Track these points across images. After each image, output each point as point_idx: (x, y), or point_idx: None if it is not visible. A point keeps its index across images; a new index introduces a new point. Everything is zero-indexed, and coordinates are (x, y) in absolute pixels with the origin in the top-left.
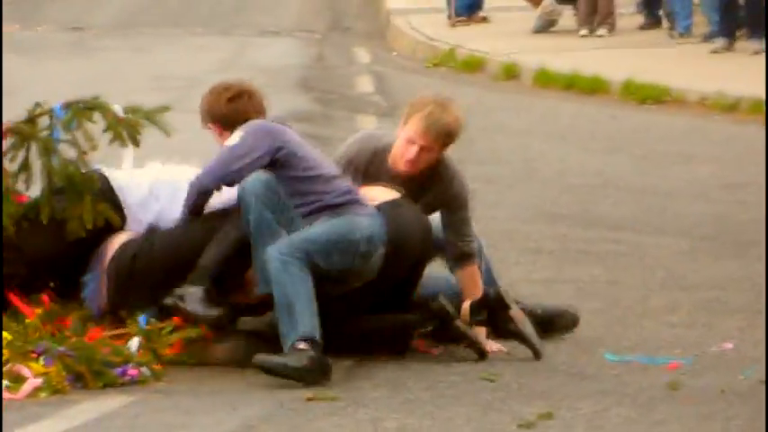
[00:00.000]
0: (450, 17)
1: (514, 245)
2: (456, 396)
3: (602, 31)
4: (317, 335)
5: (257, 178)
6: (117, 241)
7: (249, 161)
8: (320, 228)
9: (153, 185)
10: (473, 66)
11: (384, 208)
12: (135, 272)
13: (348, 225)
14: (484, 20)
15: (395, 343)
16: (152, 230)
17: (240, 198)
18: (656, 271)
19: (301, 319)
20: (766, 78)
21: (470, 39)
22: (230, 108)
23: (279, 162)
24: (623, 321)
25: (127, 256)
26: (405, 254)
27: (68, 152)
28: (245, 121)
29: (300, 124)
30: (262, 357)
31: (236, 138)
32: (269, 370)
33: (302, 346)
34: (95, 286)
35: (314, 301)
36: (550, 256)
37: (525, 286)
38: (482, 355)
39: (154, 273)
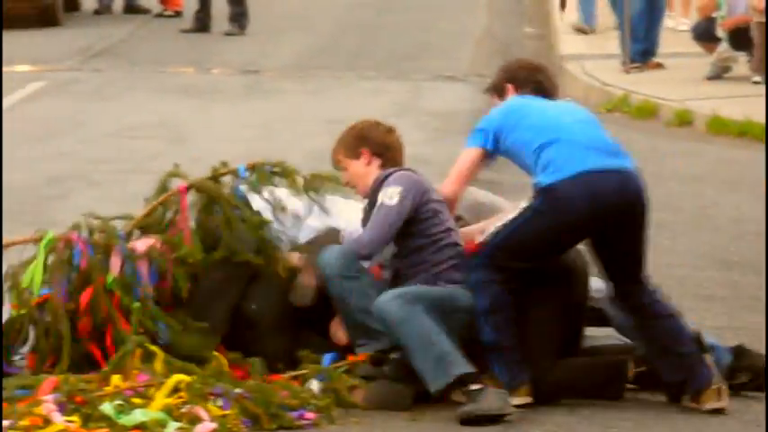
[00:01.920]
0: (624, 63)
1: (687, 291)
2: None
3: None
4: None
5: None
6: None
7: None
8: (426, 287)
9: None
10: (646, 112)
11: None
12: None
13: (450, 293)
14: (658, 66)
15: (609, 386)
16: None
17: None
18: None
19: (453, 358)
20: None
21: (644, 84)
22: (392, 139)
23: (416, 219)
24: None
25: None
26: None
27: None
28: (398, 158)
29: None
30: (466, 411)
31: (395, 196)
32: (477, 420)
33: (476, 386)
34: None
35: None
36: (723, 302)
37: None
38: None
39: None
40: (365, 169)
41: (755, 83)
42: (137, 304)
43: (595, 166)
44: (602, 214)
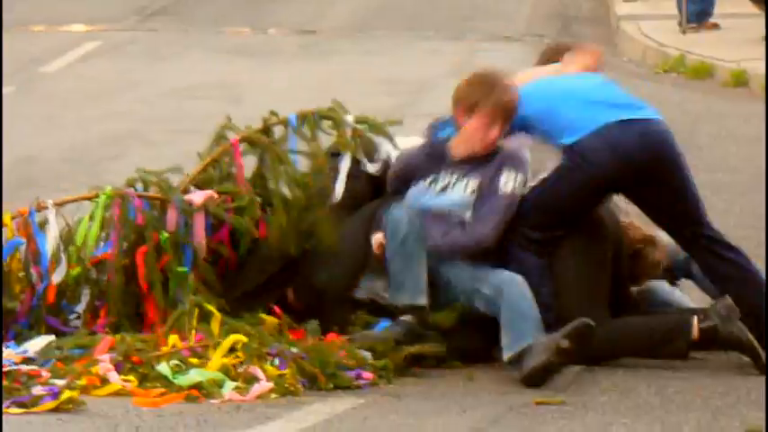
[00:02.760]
0: (680, 23)
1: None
2: (685, 402)
3: None
4: None
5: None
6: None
7: None
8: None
9: None
10: (702, 72)
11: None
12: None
13: None
14: (714, 26)
15: (671, 345)
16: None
17: (395, 222)
18: None
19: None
20: None
21: (700, 45)
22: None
23: None
24: None
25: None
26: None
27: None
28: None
29: None
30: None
31: (519, 185)
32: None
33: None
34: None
35: None
36: None
37: None
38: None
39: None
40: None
41: None
42: (183, 269)
43: (615, 118)
44: (628, 163)
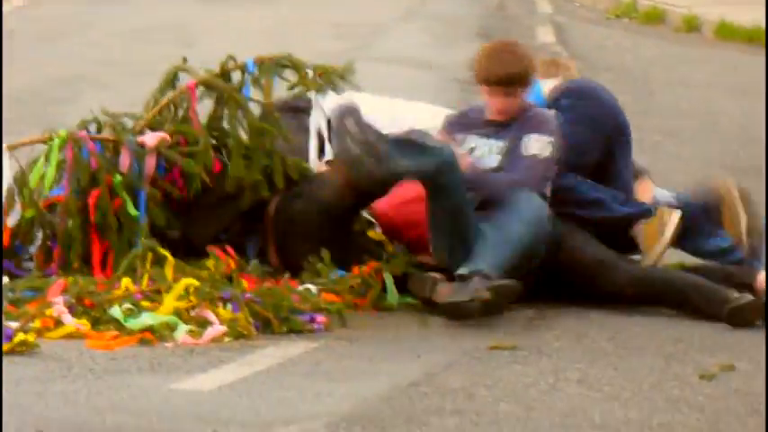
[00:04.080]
0: None
1: None
2: (638, 347)
3: None
4: None
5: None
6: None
7: None
8: None
9: (395, 119)
10: (654, 18)
11: None
12: (292, 229)
13: None
14: None
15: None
16: (304, 183)
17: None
18: None
19: None
20: None
21: None
22: None
23: None
24: None
25: (284, 212)
26: None
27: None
28: None
29: None
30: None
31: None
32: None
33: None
34: (258, 244)
35: None
36: None
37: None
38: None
39: (311, 227)
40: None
41: None
42: (136, 212)
43: None
44: None
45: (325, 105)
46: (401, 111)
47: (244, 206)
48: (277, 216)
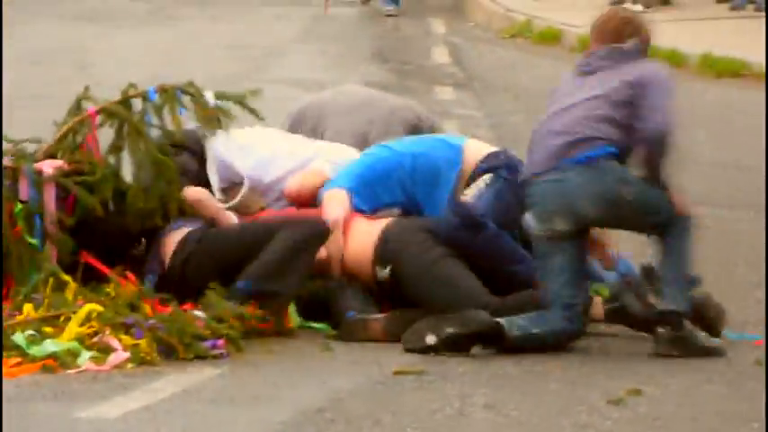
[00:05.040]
0: None
1: None
2: (544, 372)
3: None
4: None
5: None
6: (176, 237)
7: None
8: None
9: (276, 151)
10: (549, 38)
11: None
12: (187, 269)
13: None
14: None
15: None
16: (207, 227)
17: None
18: (738, 246)
19: None
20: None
21: (547, 11)
22: None
23: None
24: None
25: (182, 257)
26: None
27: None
28: None
29: None
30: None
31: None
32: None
33: None
34: (156, 278)
35: None
36: None
37: None
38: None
39: (204, 271)
40: None
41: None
42: (34, 241)
43: None
44: None
45: (215, 146)
46: (299, 144)
47: (134, 231)
48: (186, 247)
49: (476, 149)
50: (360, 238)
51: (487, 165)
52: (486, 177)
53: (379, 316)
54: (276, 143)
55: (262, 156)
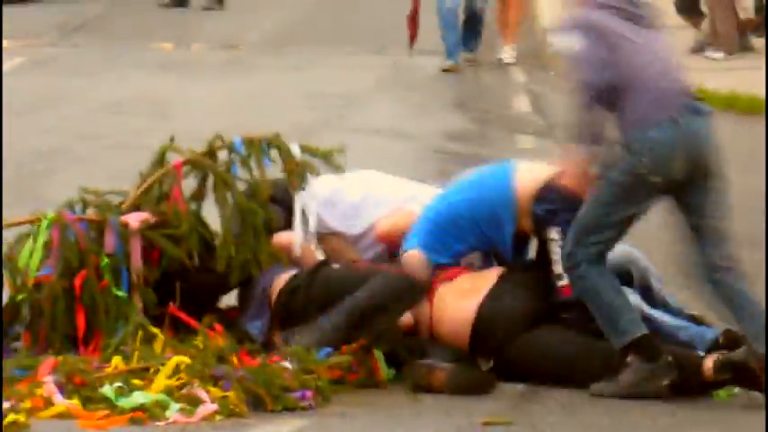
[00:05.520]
0: None
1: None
2: (633, 422)
3: (716, 54)
4: None
5: None
6: (284, 278)
7: None
8: None
9: (367, 195)
10: None
11: None
12: (294, 308)
13: None
14: None
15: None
16: (318, 267)
17: None
18: None
19: None
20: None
21: None
22: None
23: None
24: None
25: (288, 290)
26: None
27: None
28: None
29: (457, 143)
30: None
31: None
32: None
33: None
34: (264, 323)
35: None
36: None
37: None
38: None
39: (309, 310)
40: None
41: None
42: (122, 293)
43: None
44: None
45: (302, 199)
46: (389, 188)
47: (233, 284)
48: (285, 298)
49: (525, 181)
50: (453, 315)
51: (544, 209)
52: (555, 234)
53: (446, 365)
54: (366, 188)
55: (351, 204)
